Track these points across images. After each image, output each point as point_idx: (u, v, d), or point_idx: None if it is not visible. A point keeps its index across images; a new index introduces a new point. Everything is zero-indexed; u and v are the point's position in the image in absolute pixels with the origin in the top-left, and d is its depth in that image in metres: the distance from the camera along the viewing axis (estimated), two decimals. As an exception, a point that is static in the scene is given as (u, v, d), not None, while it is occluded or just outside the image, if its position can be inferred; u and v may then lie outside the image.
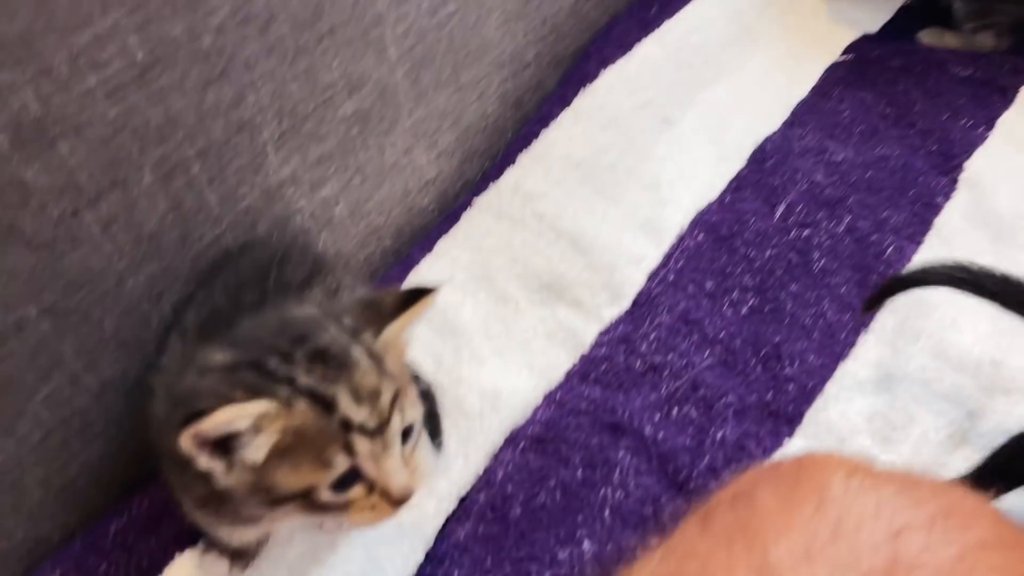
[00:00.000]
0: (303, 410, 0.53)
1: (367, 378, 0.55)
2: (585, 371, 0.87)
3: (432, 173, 1.01)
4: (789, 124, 1.09)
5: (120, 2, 0.60)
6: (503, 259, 0.96)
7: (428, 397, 0.80)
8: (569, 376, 0.87)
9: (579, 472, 0.78)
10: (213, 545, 0.74)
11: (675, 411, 0.82)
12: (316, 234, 0.88)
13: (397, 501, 0.57)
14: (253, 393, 0.53)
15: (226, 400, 0.52)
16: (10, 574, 0.74)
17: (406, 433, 0.58)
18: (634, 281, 0.93)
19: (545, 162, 1.03)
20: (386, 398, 0.56)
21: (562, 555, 0.73)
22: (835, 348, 0.85)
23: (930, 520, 0.51)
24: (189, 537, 0.76)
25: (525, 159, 1.03)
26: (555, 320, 0.92)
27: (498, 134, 1.09)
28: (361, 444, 0.54)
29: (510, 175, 1.03)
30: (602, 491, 0.76)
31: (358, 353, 0.56)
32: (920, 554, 0.49)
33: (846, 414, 0.80)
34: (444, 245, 0.98)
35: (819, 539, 0.51)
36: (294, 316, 0.60)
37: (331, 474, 0.54)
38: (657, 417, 0.81)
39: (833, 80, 1.14)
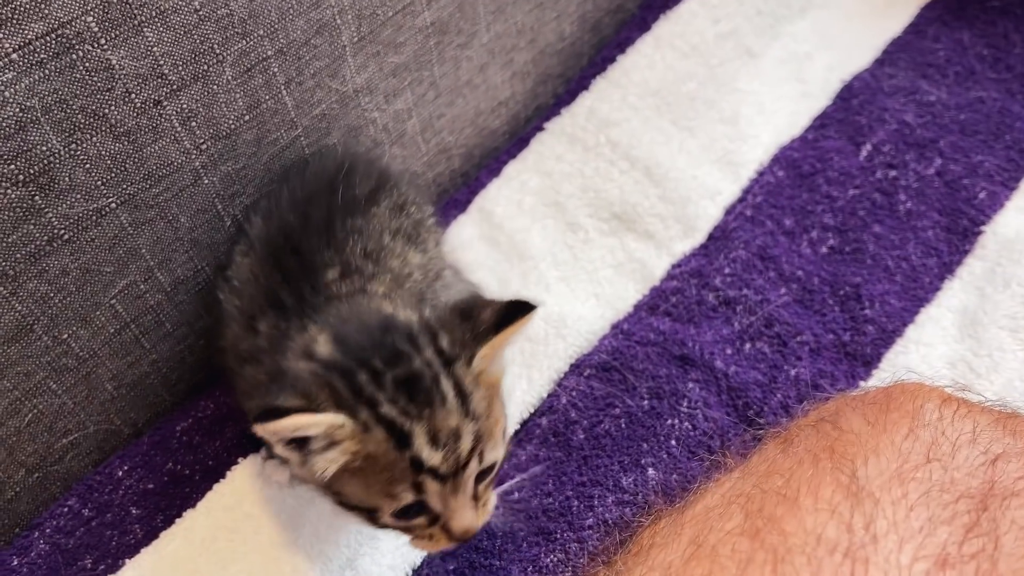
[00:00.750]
0: (378, 439, 0.52)
1: (450, 419, 0.53)
2: (654, 303, 0.85)
3: (506, 93, 0.98)
4: (880, 62, 1.03)
5: None
6: (573, 186, 0.94)
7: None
8: (637, 307, 0.85)
9: (645, 402, 0.77)
10: (274, 454, 0.74)
11: (748, 346, 0.79)
12: (387, 148, 0.86)
13: (458, 538, 0.56)
14: (336, 403, 0.52)
15: (309, 401, 0.51)
16: (81, 465, 0.76)
17: (484, 472, 0.57)
18: (709, 215, 0.90)
19: (622, 88, 0.99)
20: (466, 443, 0.53)
21: (626, 481, 0.72)
22: (918, 292, 0.82)
23: None
24: (251, 443, 0.77)
25: (601, 84, 1.00)
26: (624, 251, 0.89)
27: (574, 57, 1.05)
28: (431, 485, 0.53)
29: (585, 100, 0.99)
30: (669, 421, 0.75)
31: (446, 387, 0.53)
32: (1017, 481, 0.47)
33: (927, 359, 0.77)
34: (513, 169, 0.96)
35: (911, 461, 0.49)
36: (396, 325, 0.56)
37: (395, 504, 0.53)
38: (729, 351, 0.79)
39: (929, 18, 1.08)
